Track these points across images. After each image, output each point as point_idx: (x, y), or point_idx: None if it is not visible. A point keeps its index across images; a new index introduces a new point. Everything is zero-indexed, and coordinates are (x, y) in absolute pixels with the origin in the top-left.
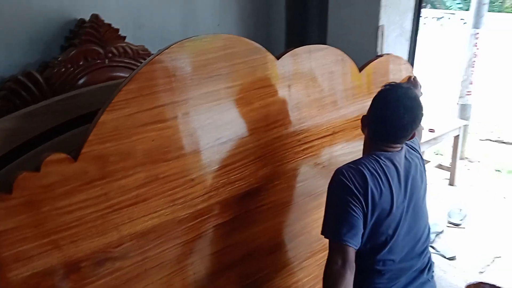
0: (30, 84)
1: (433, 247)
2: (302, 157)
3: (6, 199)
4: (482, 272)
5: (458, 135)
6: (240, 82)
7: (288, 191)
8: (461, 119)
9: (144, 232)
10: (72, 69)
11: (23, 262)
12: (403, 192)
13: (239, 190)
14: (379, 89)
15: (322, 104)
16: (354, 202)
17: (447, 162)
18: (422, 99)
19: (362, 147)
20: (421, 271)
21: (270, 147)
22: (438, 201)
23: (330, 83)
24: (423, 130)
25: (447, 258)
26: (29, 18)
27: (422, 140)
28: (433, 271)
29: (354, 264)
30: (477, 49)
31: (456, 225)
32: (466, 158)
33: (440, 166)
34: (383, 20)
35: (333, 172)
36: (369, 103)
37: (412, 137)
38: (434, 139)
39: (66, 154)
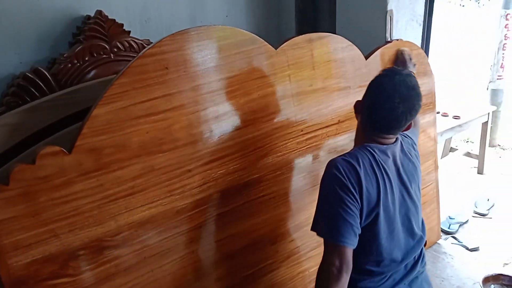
0: (38, 80)
1: (455, 238)
2: (305, 147)
3: (4, 190)
4: (506, 264)
5: (486, 122)
6: (236, 73)
7: (290, 182)
8: (492, 105)
9: (142, 221)
10: (78, 64)
11: (22, 250)
12: (399, 187)
13: (239, 180)
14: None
15: (325, 93)
16: (350, 199)
17: (476, 150)
18: (416, 79)
19: None
20: (414, 264)
21: (271, 137)
22: (465, 190)
23: (334, 72)
24: (437, 114)
25: (469, 250)
26: (37, 16)
27: (446, 127)
28: (425, 262)
29: (351, 265)
30: (508, 31)
31: (483, 215)
32: (498, 145)
33: (468, 154)
34: (392, 4)
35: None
36: None
37: (407, 128)
38: (459, 126)
39: (60, 147)
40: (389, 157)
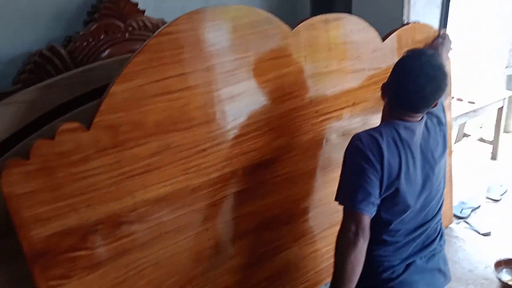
0: (54, 58)
1: (467, 223)
2: (320, 129)
3: (24, 165)
4: None
5: (501, 107)
6: (251, 53)
7: (304, 163)
8: (508, 90)
9: (158, 198)
10: (93, 43)
11: (43, 223)
12: (421, 162)
13: (253, 160)
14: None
15: (341, 75)
16: (371, 170)
17: (490, 136)
18: (449, 62)
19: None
20: (433, 240)
21: (286, 118)
22: (478, 176)
23: (350, 53)
24: (452, 99)
25: (481, 234)
26: None
27: (461, 112)
28: (444, 241)
29: (368, 232)
30: None
31: (495, 200)
32: None
33: (482, 140)
34: None
35: None
36: None
37: (434, 106)
38: (474, 111)
39: (79, 123)
40: (414, 134)
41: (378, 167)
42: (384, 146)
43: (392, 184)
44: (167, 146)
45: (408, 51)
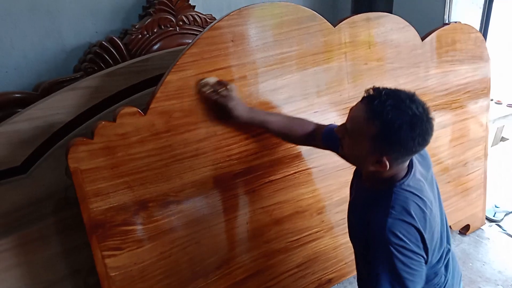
0: (112, 49)
1: (500, 226)
2: None
3: (89, 143)
4: None
5: None
6: (295, 48)
7: (338, 157)
8: None
9: (203, 181)
10: (147, 35)
11: (102, 197)
12: (436, 196)
13: (291, 151)
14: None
15: (379, 72)
16: (416, 261)
17: None
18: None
19: None
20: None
21: (322, 112)
22: None
23: (389, 52)
24: (491, 101)
25: None
26: None
27: (499, 115)
28: None
29: None
30: None
31: None
32: None
33: None
34: None
35: None
36: (432, 72)
37: None
38: None
39: (137, 109)
40: (424, 183)
41: (424, 253)
42: (421, 228)
43: (433, 248)
44: (214, 133)
45: (379, 101)
